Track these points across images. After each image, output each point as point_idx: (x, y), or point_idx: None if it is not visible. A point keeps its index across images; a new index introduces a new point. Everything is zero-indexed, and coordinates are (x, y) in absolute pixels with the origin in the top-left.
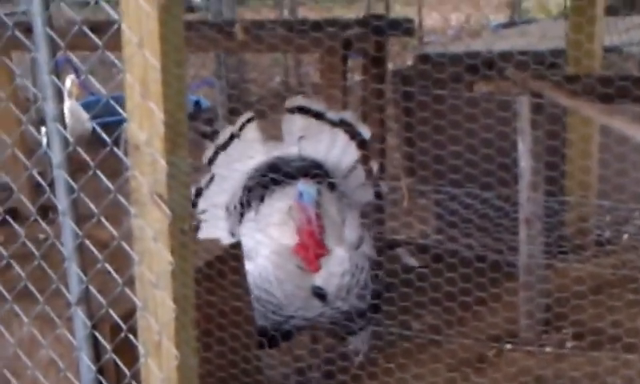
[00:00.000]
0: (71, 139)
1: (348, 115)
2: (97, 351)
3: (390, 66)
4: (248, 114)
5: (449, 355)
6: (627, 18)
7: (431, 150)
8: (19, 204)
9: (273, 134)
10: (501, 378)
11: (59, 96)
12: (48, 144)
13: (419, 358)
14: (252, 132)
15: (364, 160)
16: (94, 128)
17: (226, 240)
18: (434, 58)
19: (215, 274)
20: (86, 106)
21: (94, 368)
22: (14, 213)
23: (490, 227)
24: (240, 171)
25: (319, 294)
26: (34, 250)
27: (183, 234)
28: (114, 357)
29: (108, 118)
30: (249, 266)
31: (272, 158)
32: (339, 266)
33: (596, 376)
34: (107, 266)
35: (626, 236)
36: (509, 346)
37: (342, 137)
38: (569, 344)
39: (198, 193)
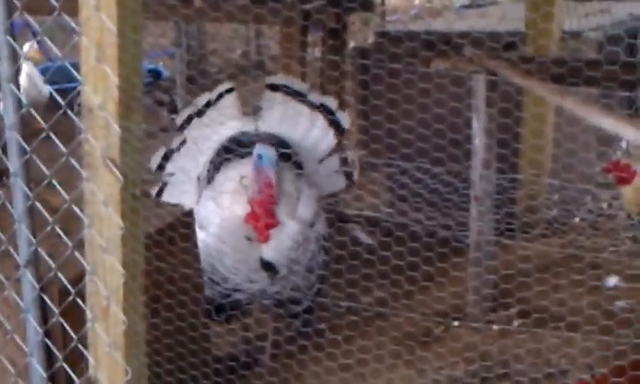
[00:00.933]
0: (25, 101)
1: (329, 101)
2: (44, 314)
3: (352, 43)
4: (228, 84)
5: (395, 329)
6: (587, 3)
7: (384, 123)
8: None
9: (250, 108)
10: (446, 353)
11: (14, 57)
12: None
13: (365, 330)
14: (230, 103)
15: (340, 148)
16: (51, 94)
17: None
18: (393, 34)
19: (166, 241)
20: (44, 72)
21: (40, 331)
22: None
23: (440, 203)
24: (212, 141)
25: (268, 266)
26: None
27: (134, 199)
28: (62, 320)
29: (66, 84)
30: (200, 234)
31: (237, 133)
32: (290, 240)
33: (539, 353)
34: (57, 228)
35: (576, 219)
36: (455, 323)
37: (320, 122)
38: (515, 322)
39: (167, 155)
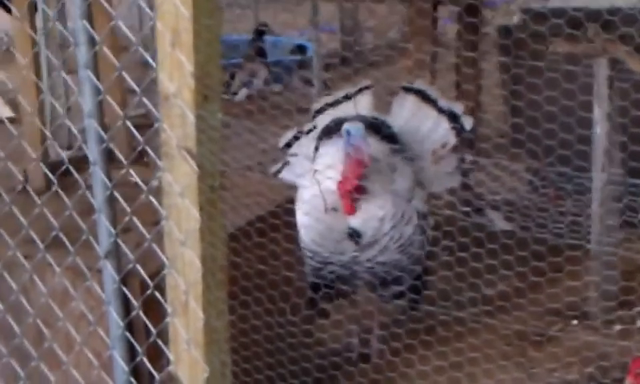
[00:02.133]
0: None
1: (457, 107)
2: (127, 307)
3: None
4: (367, 82)
5: (505, 327)
6: None
7: (526, 111)
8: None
9: (384, 107)
10: (560, 354)
11: (91, 42)
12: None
13: (474, 328)
14: (365, 99)
15: (459, 148)
16: None
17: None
18: (539, 12)
19: (255, 233)
20: None
21: (121, 324)
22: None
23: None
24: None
25: (352, 234)
26: (65, 199)
27: (212, 191)
28: (142, 314)
29: None
30: (299, 210)
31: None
32: (379, 210)
33: None
34: (135, 219)
35: None
36: (574, 322)
37: (444, 124)
38: (638, 322)
39: (297, 136)
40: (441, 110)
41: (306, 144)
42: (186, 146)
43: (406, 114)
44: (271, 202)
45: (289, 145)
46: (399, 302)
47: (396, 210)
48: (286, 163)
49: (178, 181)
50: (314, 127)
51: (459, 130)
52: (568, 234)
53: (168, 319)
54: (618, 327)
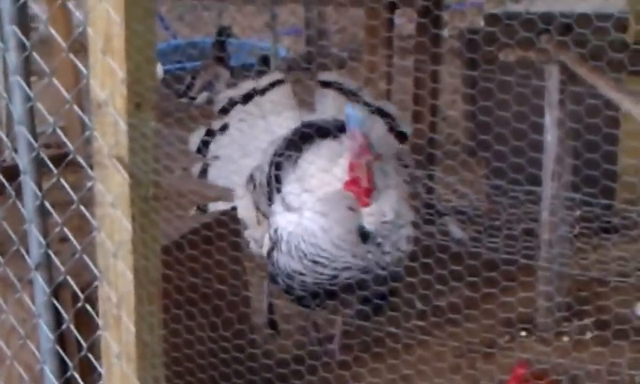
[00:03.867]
0: None
1: (387, 106)
2: (58, 319)
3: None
4: (278, 74)
5: (456, 338)
6: None
7: (493, 111)
8: None
9: (304, 103)
10: (510, 366)
11: (21, 47)
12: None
13: (424, 340)
14: (283, 94)
15: (402, 155)
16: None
17: (246, 206)
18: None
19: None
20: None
21: (51, 337)
22: None
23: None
24: (266, 131)
25: (363, 232)
26: None
27: (145, 201)
28: (72, 327)
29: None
30: (287, 219)
31: (308, 121)
32: (389, 207)
33: (616, 370)
34: (66, 230)
35: None
36: (523, 333)
37: (380, 125)
38: (589, 333)
39: (209, 133)
40: (369, 107)
41: (224, 145)
42: (117, 154)
43: (332, 111)
44: (207, 215)
45: (200, 149)
46: (364, 307)
47: (401, 208)
48: (207, 166)
49: (110, 190)
50: (226, 125)
51: (398, 132)
52: (502, 248)
53: (99, 332)
54: (567, 339)
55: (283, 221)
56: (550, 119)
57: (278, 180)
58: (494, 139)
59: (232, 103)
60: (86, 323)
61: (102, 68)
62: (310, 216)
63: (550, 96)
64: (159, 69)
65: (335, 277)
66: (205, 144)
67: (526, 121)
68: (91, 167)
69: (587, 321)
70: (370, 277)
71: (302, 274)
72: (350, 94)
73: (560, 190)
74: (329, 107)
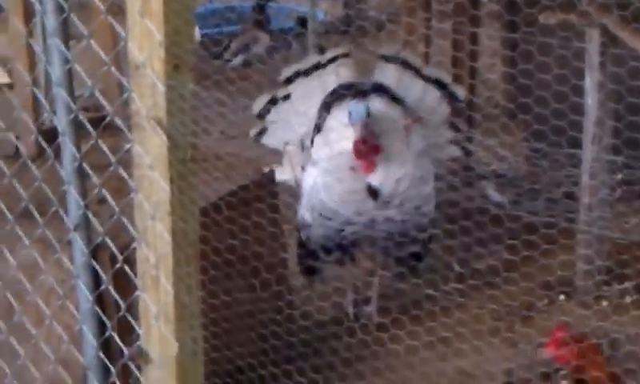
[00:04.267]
0: None
1: (443, 75)
2: (97, 280)
3: None
4: (343, 48)
5: (494, 301)
6: None
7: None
8: None
9: (364, 76)
10: (549, 330)
11: (60, 10)
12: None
13: (461, 303)
14: (345, 68)
15: (454, 118)
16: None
17: (294, 167)
18: None
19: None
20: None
21: (90, 298)
22: None
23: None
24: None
25: (372, 191)
26: (34, 170)
27: (183, 163)
28: (111, 288)
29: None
30: (311, 173)
31: (346, 82)
32: (398, 169)
33: None
34: (104, 192)
35: None
36: (562, 297)
37: (433, 93)
38: (629, 297)
39: (272, 102)
40: (426, 79)
41: (284, 112)
42: (155, 116)
43: (390, 84)
44: (243, 176)
45: (262, 114)
46: (400, 269)
47: (415, 169)
48: (264, 129)
49: (148, 152)
50: (289, 95)
51: (451, 99)
52: (542, 211)
53: (138, 293)
54: (606, 303)
55: (307, 175)
56: (590, 82)
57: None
58: (534, 102)
59: (297, 75)
60: (125, 284)
61: (140, 30)
62: (319, 172)
63: (590, 59)
64: (196, 32)
65: (341, 230)
66: (267, 110)
67: (566, 83)
68: (129, 129)
69: (627, 284)
70: (383, 233)
71: (310, 225)
72: (412, 69)
73: (601, 152)
74: (388, 79)
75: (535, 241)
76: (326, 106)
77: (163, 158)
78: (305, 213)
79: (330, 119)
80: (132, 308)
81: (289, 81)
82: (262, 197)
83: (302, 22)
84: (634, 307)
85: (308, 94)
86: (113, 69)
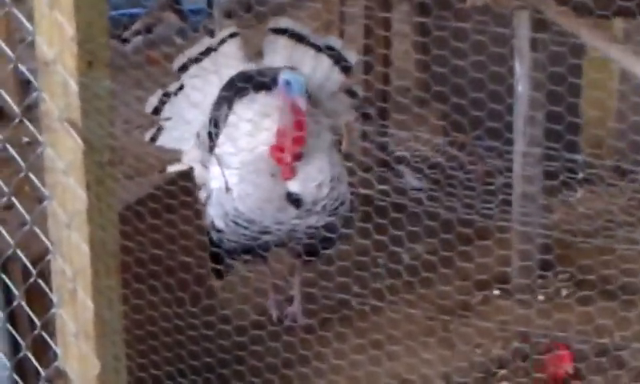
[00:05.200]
0: None
1: (333, 40)
2: (8, 295)
3: None
4: (232, 28)
5: (427, 299)
6: None
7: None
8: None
9: (253, 53)
10: (484, 328)
11: None
12: None
13: (393, 301)
14: (233, 48)
15: (352, 87)
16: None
17: (194, 163)
18: None
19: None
20: None
21: (1, 315)
22: None
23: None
24: (214, 86)
25: (294, 200)
26: None
27: (100, 167)
28: (23, 303)
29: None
30: (215, 184)
31: (243, 72)
32: (318, 174)
33: (591, 328)
34: (13, 199)
35: None
36: (496, 292)
37: (325, 62)
38: (564, 292)
39: (164, 99)
40: (317, 47)
41: (178, 106)
42: (69, 117)
43: (281, 58)
44: (162, 176)
45: (157, 110)
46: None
47: (333, 171)
48: (160, 129)
49: (62, 156)
50: (182, 86)
51: (343, 65)
52: (498, 214)
53: (54, 310)
54: (542, 298)
55: (214, 177)
56: (520, 68)
57: (214, 136)
58: (451, 91)
59: (190, 61)
60: (39, 300)
61: (48, 24)
62: (232, 176)
63: (519, 43)
64: None
65: (256, 239)
66: (161, 106)
67: (485, 71)
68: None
69: (562, 279)
70: (301, 240)
71: (222, 231)
72: (300, 38)
73: (532, 142)
74: (278, 55)
75: (469, 235)
76: (227, 100)
77: (78, 163)
78: (215, 218)
79: (233, 116)
80: (48, 325)
81: (182, 69)
82: (178, 196)
83: (209, 2)
84: (576, 303)
85: (202, 83)
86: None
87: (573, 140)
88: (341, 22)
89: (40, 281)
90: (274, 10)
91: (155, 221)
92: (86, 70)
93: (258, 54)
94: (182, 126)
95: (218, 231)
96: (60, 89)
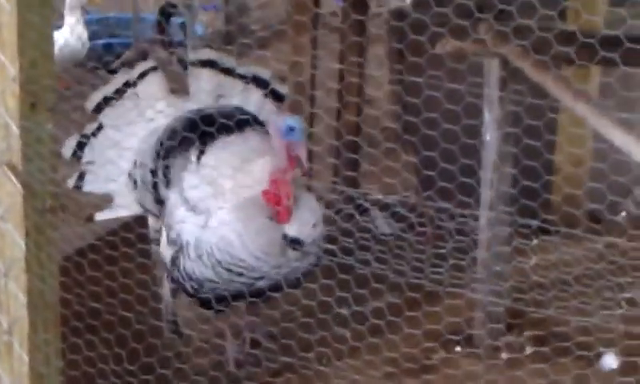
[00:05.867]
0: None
1: (261, 71)
2: None
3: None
4: (149, 63)
5: (386, 349)
6: None
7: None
8: None
9: (175, 89)
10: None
11: None
12: None
13: (354, 347)
14: (154, 83)
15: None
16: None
17: (128, 207)
18: None
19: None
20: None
21: None
22: None
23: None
24: (140, 126)
25: (292, 242)
26: None
27: (41, 214)
28: None
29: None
30: (195, 223)
31: (197, 110)
32: (312, 214)
33: None
34: None
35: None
36: (457, 348)
37: (255, 94)
38: (528, 349)
39: (82, 142)
40: (244, 79)
41: (99, 147)
42: (9, 161)
43: (207, 92)
44: (102, 226)
45: (75, 154)
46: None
47: (321, 210)
48: (83, 174)
49: (0, 201)
50: (101, 126)
51: (275, 95)
52: (449, 280)
53: None
54: (505, 355)
55: (189, 224)
56: (489, 117)
57: (167, 174)
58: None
59: (106, 100)
60: None
61: None
62: (225, 223)
63: (490, 92)
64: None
65: (251, 285)
66: (80, 148)
67: (458, 121)
68: None
69: (526, 335)
70: (291, 278)
71: (213, 281)
72: (225, 71)
73: (500, 188)
74: (203, 89)
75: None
76: (182, 138)
77: (17, 208)
78: (199, 268)
79: (208, 160)
80: None
81: (98, 109)
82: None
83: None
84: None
85: (124, 120)
86: None
87: (544, 197)
88: (312, 67)
89: None
90: (259, 41)
91: (95, 273)
92: (29, 112)
93: (179, 91)
94: (108, 169)
95: (199, 283)
96: (1, 131)
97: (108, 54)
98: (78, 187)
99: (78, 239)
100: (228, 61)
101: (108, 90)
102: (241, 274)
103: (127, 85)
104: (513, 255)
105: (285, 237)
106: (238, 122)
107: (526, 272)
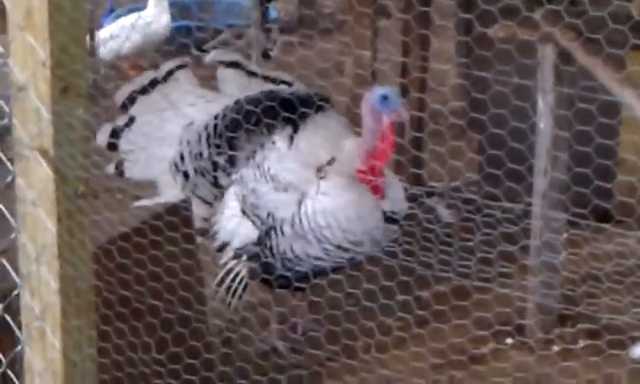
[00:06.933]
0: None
1: (285, 76)
2: None
3: None
4: (179, 60)
5: (435, 339)
6: None
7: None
8: None
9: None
10: (489, 377)
11: None
12: None
13: (401, 337)
14: (185, 80)
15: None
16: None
17: (170, 195)
18: None
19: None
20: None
21: None
22: None
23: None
24: (175, 122)
25: (392, 218)
26: None
27: (72, 200)
28: None
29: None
30: (294, 209)
31: (264, 92)
32: (400, 190)
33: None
34: None
35: None
36: (508, 340)
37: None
38: (581, 342)
39: (115, 133)
40: (272, 80)
41: (135, 138)
42: (40, 146)
43: (237, 91)
44: (136, 217)
45: (111, 145)
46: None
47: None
48: (121, 162)
49: (32, 186)
50: (133, 119)
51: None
52: (475, 274)
53: (20, 347)
54: (556, 347)
55: (280, 203)
56: (543, 105)
57: (232, 160)
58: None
59: (132, 97)
60: (7, 336)
61: (21, 46)
62: (336, 200)
63: (543, 78)
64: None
65: (352, 259)
66: (114, 142)
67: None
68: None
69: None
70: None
71: (318, 258)
72: (250, 74)
73: (554, 179)
74: (234, 88)
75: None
76: (267, 126)
77: (49, 194)
78: (294, 244)
79: (300, 140)
80: (15, 363)
81: (125, 106)
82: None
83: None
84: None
85: (155, 113)
86: None
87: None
88: (374, 37)
89: (7, 316)
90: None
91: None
92: (60, 97)
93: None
94: (146, 156)
95: (291, 261)
96: (33, 116)
97: (184, 37)
98: (119, 175)
99: (121, 224)
100: (252, 65)
101: (135, 85)
102: (348, 250)
103: (154, 82)
104: (565, 246)
105: (383, 212)
106: (318, 105)
107: (578, 263)
